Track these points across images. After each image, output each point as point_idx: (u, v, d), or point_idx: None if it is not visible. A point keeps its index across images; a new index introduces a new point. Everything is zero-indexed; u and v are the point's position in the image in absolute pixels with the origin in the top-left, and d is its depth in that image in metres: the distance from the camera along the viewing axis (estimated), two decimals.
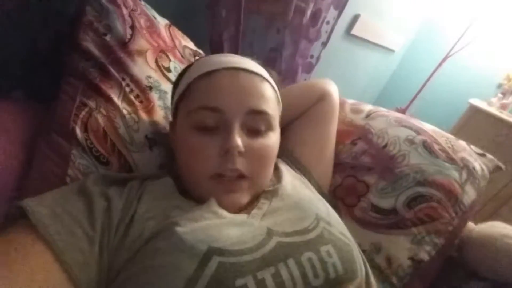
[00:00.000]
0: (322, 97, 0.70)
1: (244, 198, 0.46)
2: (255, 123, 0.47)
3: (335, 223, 0.46)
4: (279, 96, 0.54)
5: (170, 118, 0.58)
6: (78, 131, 0.52)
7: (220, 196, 0.45)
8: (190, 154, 0.47)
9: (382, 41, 1.93)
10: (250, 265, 0.35)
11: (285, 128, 0.68)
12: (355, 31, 1.62)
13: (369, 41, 1.81)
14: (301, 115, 0.70)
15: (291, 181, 0.54)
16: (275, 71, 0.56)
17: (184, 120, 0.48)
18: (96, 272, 0.36)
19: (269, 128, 0.48)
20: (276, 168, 0.58)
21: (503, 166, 0.69)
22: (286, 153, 0.64)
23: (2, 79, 0.55)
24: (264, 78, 0.50)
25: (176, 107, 0.52)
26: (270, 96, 0.49)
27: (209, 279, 0.32)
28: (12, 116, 0.53)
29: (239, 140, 0.43)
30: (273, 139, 0.49)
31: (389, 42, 2.02)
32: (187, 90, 0.49)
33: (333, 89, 0.73)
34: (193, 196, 0.48)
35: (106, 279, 0.37)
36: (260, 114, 0.47)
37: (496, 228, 0.66)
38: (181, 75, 0.55)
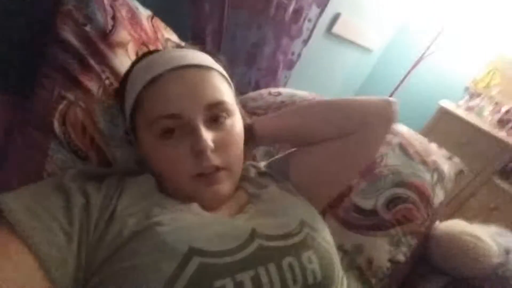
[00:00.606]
0: (366, 124, 0.57)
1: (225, 188, 0.47)
2: (216, 114, 0.47)
3: (320, 229, 0.46)
4: (229, 79, 0.53)
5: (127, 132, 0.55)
6: (56, 124, 0.50)
7: (203, 192, 0.45)
8: (164, 161, 0.46)
9: (361, 40, 1.96)
10: (230, 267, 0.35)
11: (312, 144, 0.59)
12: (335, 29, 1.64)
13: (348, 40, 1.84)
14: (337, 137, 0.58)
15: (277, 186, 0.55)
16: (222, 57, 0.56)
17: (147, 132, 0.47)
18: (73, 269, 0.35)
19: (230, 114, 0.49)
20: (263, 174, 0.59)
21: (465, 169, 0.74)
22: (283, 167, 0.60)
23: None
24: (211, 68, 0.49)
25: (132, 120, 0.50)
26: (221, 84, 0.49)
27: (188, 279, 0.32)
28: None
29: (208, 139, 0.43)
30: (236, 123, 0.50)
31: (368, 41, 2.06)
32: (137, 102, 0.48)
33: (386, 117, 0.58)
34: (174, 193, 0.47)
35: (84, 277, 0.36)
36: (218, 105, 0.47)
37: (457, 226, 0.70)
38: (124, 82, 0.52)
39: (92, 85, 0.54)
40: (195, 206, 0.44)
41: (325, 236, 0.46)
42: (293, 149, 0.63)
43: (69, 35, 0.52)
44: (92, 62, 0.54)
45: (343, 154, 0.57)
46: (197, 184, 0.45)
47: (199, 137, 0.43)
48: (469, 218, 0.74)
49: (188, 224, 0.39)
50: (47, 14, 0.53)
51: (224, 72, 0.52)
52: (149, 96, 0.46)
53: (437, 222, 0.72)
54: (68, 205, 0.38)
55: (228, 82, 0.53)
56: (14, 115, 0.53)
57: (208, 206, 0.46)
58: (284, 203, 0.50)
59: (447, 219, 0.75)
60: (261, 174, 0.60)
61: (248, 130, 0.56)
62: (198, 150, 0.43)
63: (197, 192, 0.46)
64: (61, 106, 0.51)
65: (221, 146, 0.46)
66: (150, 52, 0.53)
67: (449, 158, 0.72)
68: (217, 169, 0.45)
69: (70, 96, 0.52)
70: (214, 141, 0.45)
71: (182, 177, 0.45)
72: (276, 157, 0.65)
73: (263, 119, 0.61)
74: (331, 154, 0.58)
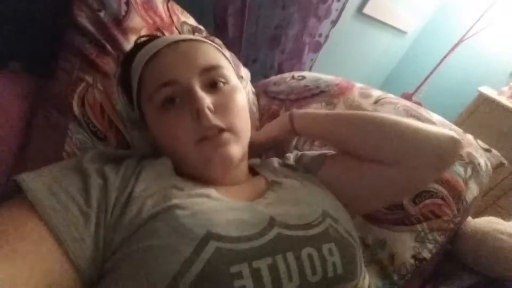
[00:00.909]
0: (416, 164, 0.50)
1: (234, 150, 0.46)
2: (212, 78, 0.48)
3: (343, 221, 0.45)
4: (225, 54, 0.55)
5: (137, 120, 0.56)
6: (75, 105, 0.51)
7: (212, 157, 0.45)
8: (168, 132, 0.47)
9: (394, 21, 1.85)
10: (247, 253, 0.34)
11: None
12: (367, 10, 1.55)
13: (380, 21, 1.74)
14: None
15: (301, 176, 0.54)
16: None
17: (149, 106, 0.48)
18: (91, 249, 0.35)
19: (227, 80, 0.49)
20: (288, 165, 0.58)
21: (506, 162, 0.68)
22: (315, 166, 0.58)
23: None
24: (203, 41, 0.51)
25: (139, 102, 0.52)
26: (216, 53, 0.51)
27: (204, 263, 0.32)
28: (9, 88, 0.52)
29: (205, 98, 0.44)
30: (236, 88, 0.50)
31: (402, 23, 1.94)
32: (140, 81, 0.49)
33: (443, 160, 0.51)
34: (189, 173, 0.47)
35: (102, 257, 0.36)
36: (213, 69, 0.48)
37: (491, 223, 0.66)
38: (125, 72, 0.54)
39: (109, 69, 0.55)
40: (213, 191, 0.44)
41: (348, 228, 0.44)
42: (327, 152, 0.61)
43: (85, 21, 0.53)
44: (108, 46, 0.55)
45: (378, 183, 0.53)
46: (203, 150, 0.45)
47: (195, 96, 0.44)
48: (507, 213, 0.68)
49: (206, 209, 0.39)
50: None
51: (220, 48, 0.54)
52: (149, 72, 0.48)
53: (469, 218, 0.67)
54: (86, 186, 0.38)
55: (225, 57, 0.54)
56: (35, 95, 0.54)
57: (222, 176, 0.47)
58: (306, 192, 0.49)
59: (481, 213, 0.70)
60: (285, 165, 0.59)
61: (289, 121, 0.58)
62: (196, 109, 0.43)
63: (205, 160, 0.45)
64: (79, 88, 0.52)
65: (221, 108, 0.46)
66: (149, 40, 0.55)
67: (487, 150, 0.66)
68: (220, 130, 0.45)
69: (88, 78, 0.53)
70: (213, 104, 0.45)
71: (187, 146, 0.45)
72: (310, 153, 0.63)
73: (304, 112, 0.60)
74: (365, 178, 0.54)
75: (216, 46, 0.53)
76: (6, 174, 0.47)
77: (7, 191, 0.38)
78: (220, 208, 0.40)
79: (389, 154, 0.51)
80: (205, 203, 0.40)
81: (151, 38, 0.54)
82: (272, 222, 0.39)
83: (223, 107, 0.46)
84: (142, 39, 0.56)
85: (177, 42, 0.49)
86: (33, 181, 0.36)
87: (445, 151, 0.50)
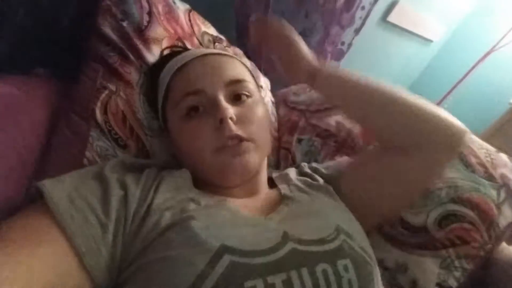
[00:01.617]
0: (426, 148, 0.50)
1: (253, 159, 0.46)
2: (236, 91, 0.49)
3: (357, 237, 0.43)
4: (251, 72, 0.57)
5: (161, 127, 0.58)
6: (97, 113, 0.52)
7: (230, 164, 0.45)
8: (188, 140, 0.48)
9: (420, 30, 1.80)
10: (262, 268, 0.34)
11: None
12: (391, 18, 1.52)
13: (406, 29, 1.70)
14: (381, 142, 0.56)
15: (317, 189, 0.53)
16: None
17: (174, 114, 0.50)
18: (107, 260, 0.36)
19: (251, 94, 0.51)
20: (303, 174, 0.58)
21: None
22: (334, 175, 0.56)
23: (24, 55, 0.54)
24: (232, 56, 0.54)
25: (163, 111, 0.54)
26: (241, 67, 0.53)
27: (219, 276, 0.32)
28: (34, 93, 0.53)
29: (229, 109, 0.45)
30: (259, 103, 0.51)
31: (428, 31, 1.88)
32: (167, 90, 0.52)
33: (454, 143, 0.50)
34: (210, 186, 0.47)
35: (118, 268, 0.37)
36: (239, 82, 0.50)
37: None
38: (152, 81, 0.57)
39: (132, 78, 0.56)
40: (229, 203, 0.44)
41: (363, 245, 0.43)
42: (344, 158, 0.61)
43: (109, 30, 0.54)
44: (131, 56, 0.56)
45: (398, 173, 0.52)
46: (222, 158, 0.45)
47: (220, 106, 0.45)
48: None
49: (221, 222, 0.39)
50: (92, 5, 0.55)
51: (247, 66, 0.57)
52: (176, 81, 0.51)
53: (504, 244, 0.63)
54: (106, 196, 0.38)
55: (250, 73, 0.56)
56: (58, 101, 0.55)
57: (239, 185, 0.47)
58: (319, 206, 0.48)
59: None
60: (303, 174, 0.58)
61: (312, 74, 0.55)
62: (219, 119, 0.44)
63: (223, 166, 0.45)
64: (102, 96, 0.53)
65: (244, 120, 0.47)
66: (178, 52, 0.58)
67: None
68: (241, 140, 0.46)
69: (111, 86, 0.54)
70: (236, 115, 0.46)
71: (206, 153, 0.46)
72: (326, 164, 0.62)
73: (330, 71, 0.56)
74: (387, 170, 0.53)
75: (242, 62, 0.56)
76: (29, 178, 0.48)
77: (29, 195, 0.39)
78: (235, 222, 0.40)
79: (412, 137, 0.50)
80: (220, 216, 0.40)
81: (180, 50, 0.57)
82: (285, 237, 0.38)
83: (245, 118, 0.47)
84: (168, 50, 0.59)
85: (205, 55, 0.52)
86: (55, 188, 0.37)
87: (456, 133, 0.49)
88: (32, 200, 0.38)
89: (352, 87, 0.54)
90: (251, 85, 0.52)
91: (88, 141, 0.51)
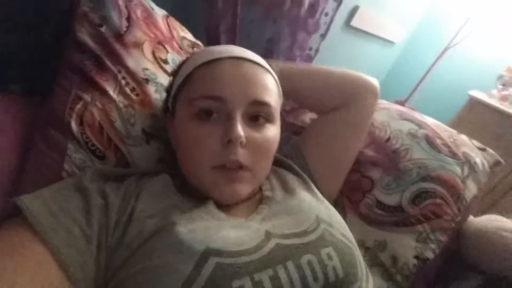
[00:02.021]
0: (354, 100, 0.65)
1: (245, 189, 0.45)
2: (258, 113, 0.46)
3: (337, 225, 0.45)
4: (280, 90, 0.53)
5: (167, 110, 0.56)
6: (73, 124, 0.51)
7: (221, 187, 0.44)
8: (192, 144, 0.45)
9: (382, 32, 1.90)
10: (248, 266, 0.34)
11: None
12: (354, 22, 1.60)
13: (368, 33, 1.79)
14: (323, 111, 0.67)
15: (292, 183, 0.54)
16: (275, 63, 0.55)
17: (185, 110, 0.47)
18: (93, 270, 0.35)
19: (271, 120, 0.48)
20: (276, 172, 0.57)
21: (502, 161, 0.68)
22: (297, 152, 0.63)
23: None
24: (268, 70, 0.49)
25: (175, 98, 0.51)
26: (273, 88, 0.49)
27: (205, 280, 0.32)
28: (9, 111, 0.52)
29: (242, 131, 0.42)
30: (274, 132, 0.48)
31: (389, 33, 2.00)
32: (186, 80, 0.48)
33: (372, 93, 0.67)
34: (192, 190, 0.47)
35: (104, 278, 0.36)
36: (263, 105, 0.46)
37: (492, 221, 0.67)
38: (179, 66, 0.54)
39: (108, 85, 0.55)
40: (211, 207, 0.44)
41: (344, 231, 0.44)
42: (296, 138, 0.67)
43: (85, 37, 0.53)
44: (108, 62, 0.55)
45: (344, 123, 0.64)
46: (216, 177, 0.44)
47: (234, 126, 0.42)
48: (507, 213, 0.68)
49: (204, 225, 0.39)
50: (64, 15, 0.54)
51: (277, 81, 0.52)
52: (201, 75, 0.47)
53: (471, 217, 0.67)
54: (87, 207, 0.38)
55: (279, 92, 0.53)
56: (34, 116, 0.54)
57: (224, 204, 0.46)
58: (298, 201, 0.48)
59: (482, 214, 0.70)
60: (282, 166, 0.59)
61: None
62: (228, 138, 0.42)
63: (215, 186, 0.45)
64: (78, 107, 0.52)
65: (253, 147, 0.44)
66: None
67: (482, 150, 0.67)
68: (241, 167, 0.44)
69: (87, 96, 0.53)
70: (247, 138, 0.43)
71: (204, 165, 0.44)
72: (287, 148, 0.65)
73: (281, 66, 0.61)
74: (337, 127, 0.64)
75: (274, 76, 0.52)
76: (6, 195, 0.47)
77: (7, 212, 0.37)
78: (218, 225, 0.40)
79: (344, 97, 0.64)
80: (203, 220, 0.40)
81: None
82: (268, 235, 0.39)
83: (255, 147, 0.45)
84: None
85: (241, 59, 0.47)
86: (34, 203, 0.36)
87: (371, 82, 0.67)
88: (10, 216, 0.37)
89: (297, 73, 0.66)
90: (274, 111, 0.48)
91: (66, 153, 0.50)
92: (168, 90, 0.55)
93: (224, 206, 0.45)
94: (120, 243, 0.37)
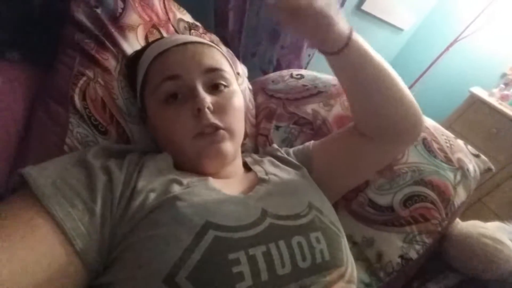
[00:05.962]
0: (404, 140, 0.58)
1: (227, 147, 0.49)
2: (214, 80, 0.50)
3: (327, 213, 0.48)
4: (229, 60, 0.57)
5: (141, 116, 0.58)
6: (76, 99, 0.52)
7: (206, 151, 0.48)
8: (167, 126, 0.49)
9: (392, 19, 1.86)
10: (243, 241, 0.37)
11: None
12: (365, 6, 1.56)
13: (378, 18, 1.74)
14: (378, 133, 0.56)
15: (290, 171, 0.56)
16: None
17: (153, 101, 0.51)
18: (97, 243, 0.36)
19: (229, 84, 0.52)
20: (271, 160, 0.59)
21: (493, 168, 0.70)
22: (306, 157, 0.61)
23: None
24: (211, 45, 0.54)
25: (142, 95, 0.54)
26: (221, 57, 0.54)
27: (204, 250, 0.34)
28: (8, 77, 0.52)
29: (206, 98, 0.47)
30: (236, 96, 0.53)
31: (399, 20, 1.95)
32: (146, 75, 0.52)
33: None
34: (187, 167, 0.49)
35: (107, 249, 0.38)
36: (216, 71, 0.51)
37: (476, 227, 0.69)
38: (132, 66, 0.56)
39: (109, 64, 0.55)
40: (210, 182, 0.46)
41: (333, 220, 0.48)
42: (311, 142, 0.64)
43: (82, 17, 0.53)
44: (107, 42, 0.55)
45: (361, 154, 0.58)
46: (199, 145, 0.47)
47: (198, 96, 0.46)
48: (491, 211, 0.71)
49: (204, 200, 0.41)
50: None
51: (226, 55, 0.57)
52: (155, 66, 0.51)
53: (457, 220, 0.70)
54: (91, 182, 0.39)
55: (228, 62, 0.56)
56: (35, 85, 0.54)
57: (216, 170, 0.50)
58: (292, 186, 0.51)
59: (466, 211, 0.72)
60: (277, 157, 0.61)
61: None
62: (197, 107, 0.46)
63: (200, 153, 0.48)
64: (81, 82, 0.52)
65: (220, 109, 0.49)
66: (158, 39, 0.57)
67: (477, 156, 0.68)
68: (217, 128, 0.48)
69: (89, 73, 0.53)
70: (213, 104, 0.48)
71: (184, 139, 0.48)
72: (298, 147, 0.65)
73: (362, 42, 0.51)
74: (352, 150, 0.59)
75: (220, 51, 0.56)
76: (9, 163, 0.48)
77: (13, 184, 0.38)
78: (217, 200, 0.43)
79: (400, 126, 0.53)
80: (203, 195, 0.42)
81: (161, 38, 0.55)
82: (264, 213, 0.42)
83: (222, 108, 0.49)
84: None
85: (185, 43, 0.52)
86: (39, 176, 0.37)
87: (418, 122, 0.55)
88: (14, 188, 0.38)
89: (370, 63, 0.52)
90: (228, 74, 0.52)
91: (68, 127, 0.50)
92: (135, 95, 0.57)
93: (222, 184, 0.48)
94: (123, 216, 0.39)
